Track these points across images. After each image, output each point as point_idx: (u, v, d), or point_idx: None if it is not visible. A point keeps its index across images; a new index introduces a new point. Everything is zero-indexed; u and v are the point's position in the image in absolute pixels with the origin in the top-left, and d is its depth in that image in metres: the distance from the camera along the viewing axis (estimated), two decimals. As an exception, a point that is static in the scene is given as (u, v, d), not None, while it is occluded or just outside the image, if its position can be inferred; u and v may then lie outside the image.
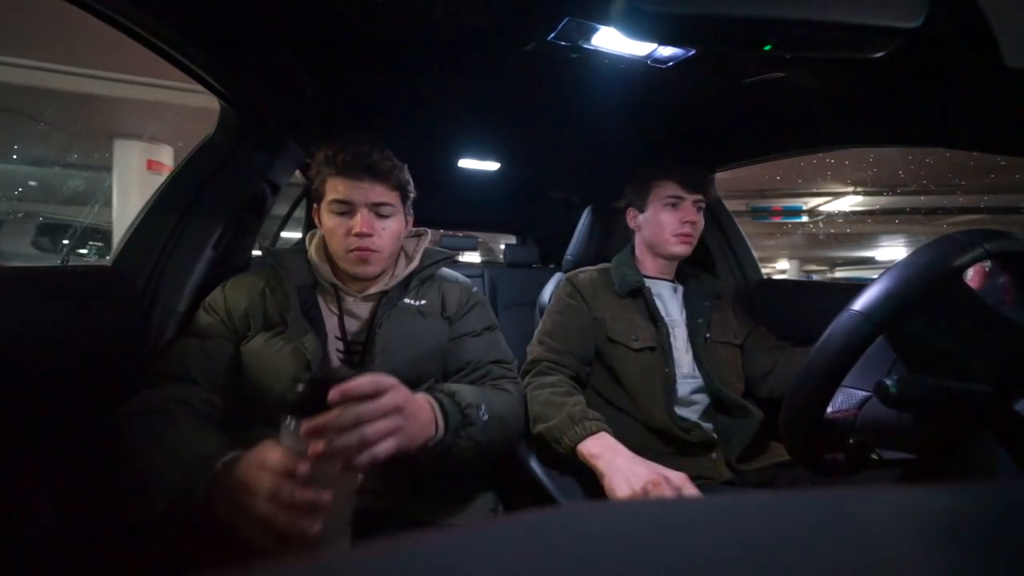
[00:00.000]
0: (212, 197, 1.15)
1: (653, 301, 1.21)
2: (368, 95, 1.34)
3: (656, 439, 1.10)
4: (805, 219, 11.88)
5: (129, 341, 0.95)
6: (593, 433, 0.92)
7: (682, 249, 1.22)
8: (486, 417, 0.80)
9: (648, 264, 1.29)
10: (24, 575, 0.74)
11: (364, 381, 0.59)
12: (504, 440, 0.88)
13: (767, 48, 0.66)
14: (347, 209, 0.90)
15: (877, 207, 10.67)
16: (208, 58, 0.97)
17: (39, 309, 0.77)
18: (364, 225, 0.89)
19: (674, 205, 1.22)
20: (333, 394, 0.56)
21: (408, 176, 0.99)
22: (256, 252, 1.47)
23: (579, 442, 0.91)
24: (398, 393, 0.63)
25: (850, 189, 9.49)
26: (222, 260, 1.17)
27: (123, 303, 0.96)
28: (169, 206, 1.10)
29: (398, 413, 0.62)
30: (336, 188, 0.90)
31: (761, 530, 0.16)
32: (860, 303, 0.53)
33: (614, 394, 1.17)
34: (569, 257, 1.57)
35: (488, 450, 0.81)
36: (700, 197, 1.22)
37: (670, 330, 1.19)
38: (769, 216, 11.26)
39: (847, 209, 10.81)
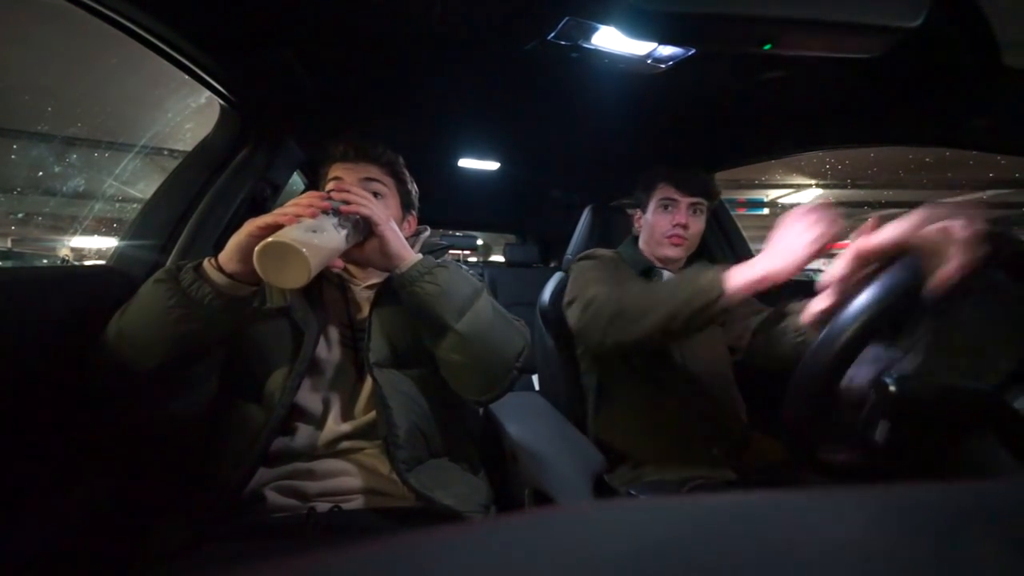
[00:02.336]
0: (212, 196, 1.15)
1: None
2: (368, 94, 1.34)
3: (675, 436, 1.10)
4: (766, 211, 12.06)
5: None
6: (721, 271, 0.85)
7: (673, 252, 1.21)
8: (455, 268, 0.85)
9: (653, 260, 1.28)
10: (28, 569, 0.74)
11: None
12: (490, 316, 0.85)
13: (767, 47, 0.66)
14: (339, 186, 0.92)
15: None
16: (208, 58, 0.97)
17: (38, 309, 0.77)
18: None
19: (667, 207, 1.22)
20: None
21: (404, 168, 1.01)
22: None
23: (726, 283, 0.83)
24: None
25: (811, 182, 9.71)
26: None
27: (124, 303, 0.96)
28: (169, 205, 1.10)
29: (386, 214, 0.81)
30: (334, 172, 0.94)
31: (763, 530, 0.16)
32: (861, 298, 0.53)
33: (658, 370, 1.16)
34: (569, 256, 1.57)
35: (465, 302, 0.82)
36: (698, 200, 1.21)
37: None
38: (735, 208, 11.57)
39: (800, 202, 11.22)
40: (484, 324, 0.84)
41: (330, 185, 0.92)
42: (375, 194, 0.94)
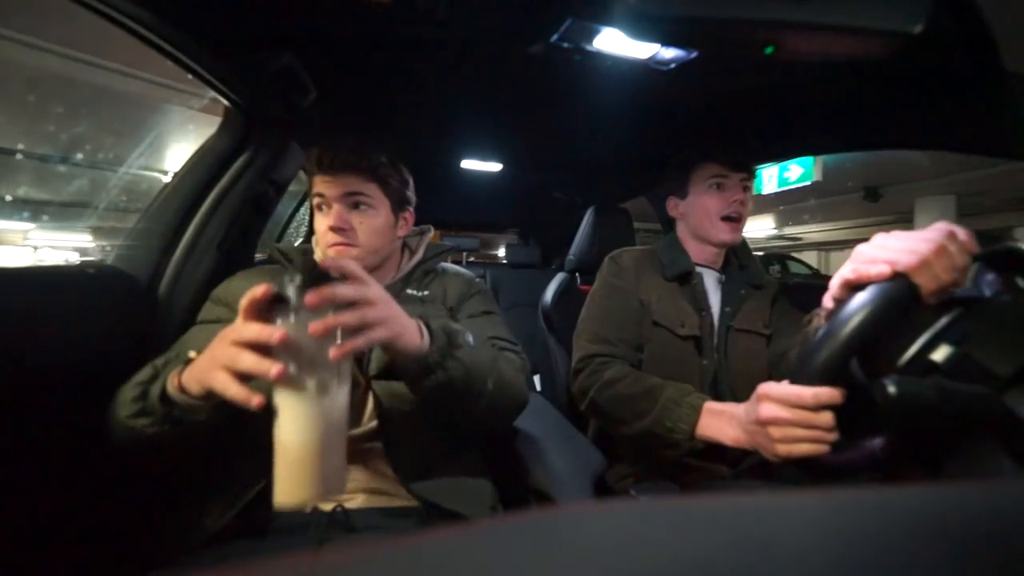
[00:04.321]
0: (216, 197, 1.15)
1: (703, 288, 1.15)
2: (371, 96, 1.34)
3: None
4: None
5: (133, 341, 0.96)
6: (699, 408, 0.90)
7: (731, 236, 1.13)
8: (471, 340, 0.78)
9: (694, 251, 1.20)
10: (26, 573, 0.74)
11: (355, 270, 0.63)
12: (502, 389, 0.82)
13: (769, 51, 0.66)
14: (323, 203, 0.91)
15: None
16: (213, 59, 0.98)
17: (42, 308, 0.77)
18: (337, 219, 0.88)
19: (718, 187, 1.13)
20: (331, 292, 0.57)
21: (393, 170, 0.95)
22: (259, 256, 1.48)
23: (695, 426, 0.89)
24: (376, 292, 0.65)
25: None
26: (226, 261, 1.18)
27: (127, 303, 0.97)
28: (173, 206, 1.10)
29: (387, 304, 0.66)
30: (316, 185, 0.91)
31: (762, 531, 0.16)
32: (857, 300, 0.54)
33: None
34: (572, 257, 1.57)
35: (481, 388, 0.77)
36: (746, 175, 1.13)
37: (713, 320, 1.13)
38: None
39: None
40: (502, 384, 0.81)
41: (308, 297, 0.60)
42: (358, 205, 0.90)
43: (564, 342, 1.39)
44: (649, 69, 1.01)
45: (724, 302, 1.15)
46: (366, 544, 0.15)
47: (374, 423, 0.86)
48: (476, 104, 1.39)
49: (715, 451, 1.05)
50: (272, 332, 0.54)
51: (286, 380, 0.52)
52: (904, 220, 9.25)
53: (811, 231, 13.07)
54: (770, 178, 7.72)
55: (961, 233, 0.57)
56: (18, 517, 0.75)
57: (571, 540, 0.15)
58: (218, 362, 0.58)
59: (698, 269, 1.17)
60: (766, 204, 10.40)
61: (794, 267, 11.15)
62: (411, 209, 1.02)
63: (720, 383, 1.08)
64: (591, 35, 0.90)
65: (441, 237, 3.45)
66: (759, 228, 13.46)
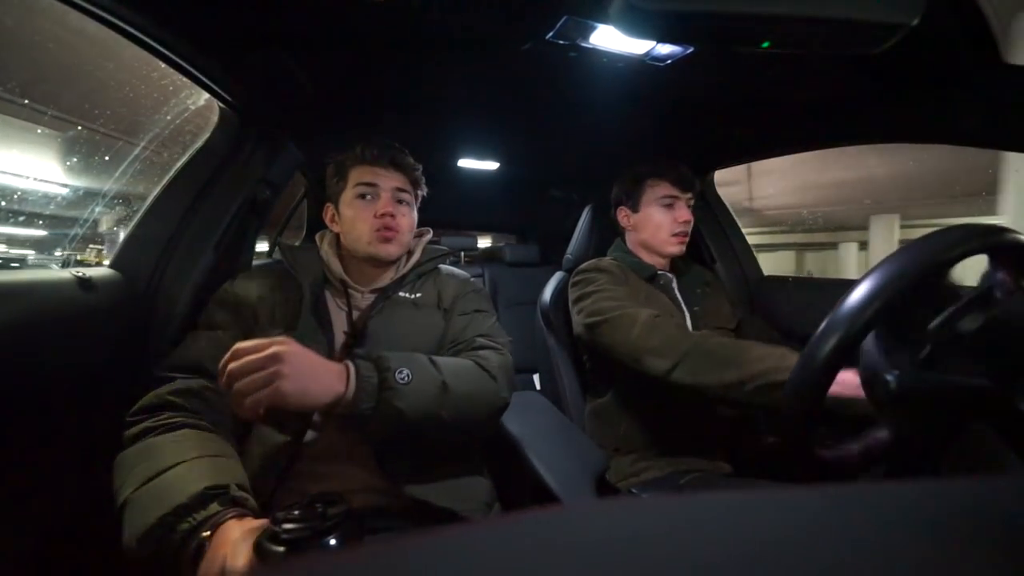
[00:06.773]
0: (212, 198, 1.15)
1: (672, 288, 1.25)
2: (367, 95, 1.34)
3: (672, 430, 1.10)
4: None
5: (131, 343, 0.95)
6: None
7: (679, 249, 1.24)
8: (407, 375, 0.76)
9: (644, 259, 1.29)
10: (38, 565, 0.74)
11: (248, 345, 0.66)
12: (461, 407, 0.81)
13: (765, 45, 0.66)
14: (372, 192, 0.95)
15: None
16: (207, 59, 0.97)
17: (38, 316, 0.77)
18: (388, 206, 0.94)
19: (669, 206, 1.23)
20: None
21: (420, 176, 1.04)
22: (257, 260, 1.47)
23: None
24: (279, 349, 0.66)
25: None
26: (223, 261, 1.17)
27: (124, 305, 0.96)
28: (168, 208, 1.10)
29: (276, 364, 0.65)
30: (363, 175, 0.95)
31: (763, 528, 0.16)
32: (856, 294, 0.53)
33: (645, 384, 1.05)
34: (570, 256, 1.57)
35: (433, 413, 0.77)
36: (691, 195, 1.24)
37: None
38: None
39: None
40: (461, 406, 0.80)
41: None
42: (400, 201, 0.98)
43: (563, 341, 1.39)
44: (645, 65, 1.01)
45: (689, 302, 1.25)
46: (365, 544, 0.15)
47: None
48: (472, 102, 1.39)
49: (716, 450, 1.07)
50: None
51: None
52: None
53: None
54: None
55: None
56: (18, 523, 0.74)
57: (573, 539, 0.15)
58: None
59: (660, 273, 1.27)
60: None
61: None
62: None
63: None
64: (587, 32, 0.89)
65: (440, 237, 3.44)
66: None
